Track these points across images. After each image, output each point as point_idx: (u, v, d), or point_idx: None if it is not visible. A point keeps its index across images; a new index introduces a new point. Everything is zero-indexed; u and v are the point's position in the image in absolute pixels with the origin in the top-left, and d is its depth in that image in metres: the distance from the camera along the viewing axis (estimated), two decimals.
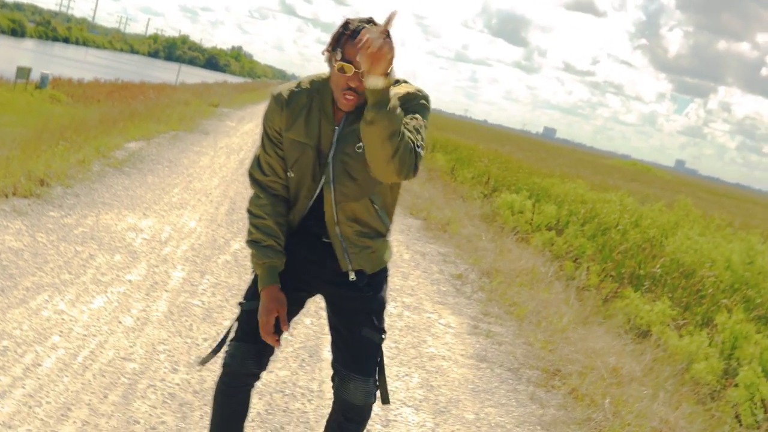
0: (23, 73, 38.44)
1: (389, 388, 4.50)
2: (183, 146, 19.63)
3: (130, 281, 7.76)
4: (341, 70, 3.66)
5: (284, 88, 4.02)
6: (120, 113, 22.98)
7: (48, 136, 14.63)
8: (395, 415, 6.03)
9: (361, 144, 3.73)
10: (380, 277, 4.12)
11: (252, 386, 4.17)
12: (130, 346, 6.15)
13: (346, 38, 3.65)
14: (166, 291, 7.71)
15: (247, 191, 4.41)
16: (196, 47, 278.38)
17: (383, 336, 4.11)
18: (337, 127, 3.88)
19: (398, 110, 3.54)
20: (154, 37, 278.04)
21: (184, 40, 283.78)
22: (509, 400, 6.92)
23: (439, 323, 8.81)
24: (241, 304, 4.10)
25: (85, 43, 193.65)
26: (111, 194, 11.57)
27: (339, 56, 3.65)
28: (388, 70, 3.41)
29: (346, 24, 3.72)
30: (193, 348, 6.42)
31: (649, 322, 10.70)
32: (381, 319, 4.11)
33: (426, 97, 3.97)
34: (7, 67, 44.28)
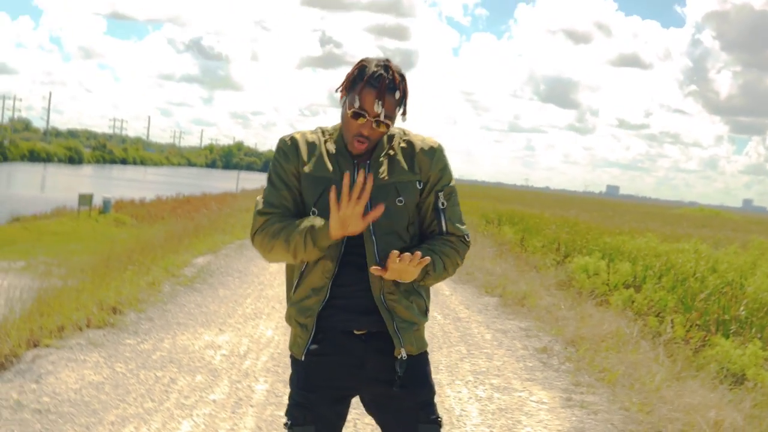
0: (85, 200, 39.00)
1: None
2: (250, 254, 19.63)
3: (214, 401, 7.67)
4: (354, 116, 3.63)
5: (289, 134, 3.91)
6: (184, 229, 23.15)
7: (115, 262, 14.70)
8: None
9: (402, 198, 3.72)
10: (424, 362, 3.90)
11: None
12: None
13: (362, 86, 3.63)
14: (251, 406, 7.61)
15: None
16: (251, 152, 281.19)
17: (439, 426, 3.88)
18: (354, 162, 3.78)
19: (438, 267, 3.69)
20: (210, 148, 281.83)
21: (239, 146, 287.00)
22: None
23: (531, 401, 8.63)
24: (287, 425, 3.81)
25: (142, 162, 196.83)
26: (184, 313, 11.54)
27: (357, 104, 3.62)
28: (421, 273, 3.61)
29: (362, 67, 3.69)
30: None
31: (743, 366, 10.44)
32: (434, 410, 3.90)
33: (443, 151, 3.93)
34: (70, 196, 44.93)
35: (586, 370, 9.90)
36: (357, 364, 3.76)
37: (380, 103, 3.59)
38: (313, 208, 3.74)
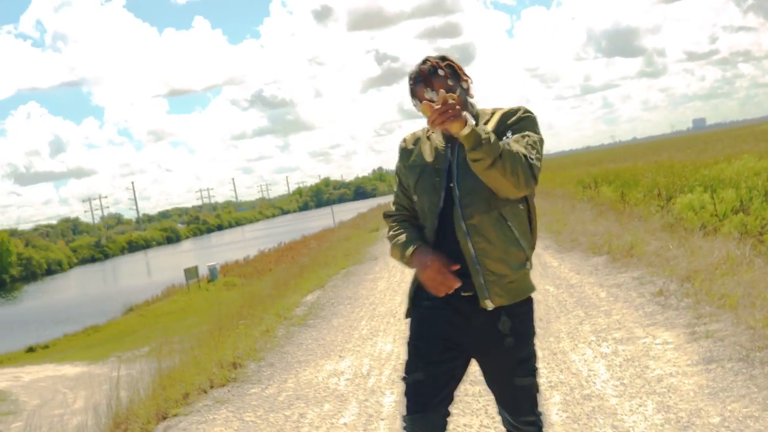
0: (191, 273, 39.59)
1: None
2: (357, 280, 19.71)
3: (345, 424, 7.71)
4: (423, 111, 3.94)
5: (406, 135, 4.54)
6: (290, 273, 23.34)
7: (227, 322, 14.83)
8: None
9: None
10: (524, 319, 4.31)
11: None
12: None
13: (413, 87, 4.26)
14: (381, 419, 7.64)
15: None
16: (340, 184, 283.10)
17: (536, 376, 4.34)
18: (448, 146, 4.28)
19: (492, 138, 3.93)
20: (299, 192, 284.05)
21: (327, 182, 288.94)
22: (749, 389, 6.64)
23: (656, 344, 8.56)
24: (404, 378, 4.32)
25: (237, 223, 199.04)
26: (303, 351, 11.61)
27: (416, 101, 4.22)
28: (464, 120, 3.86)
29: (409, 77, 4.30)
30: None
31: None
32: (531, 364, 4.33)
33: (526, 110, 4.33)
34: (176, 274, 45.61)
35: (705, 301, 9.79)
36: (465, 321, 4.21)
37: (429, 89, 4.16)
38: (414, 196, 4.37)
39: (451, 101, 3.83)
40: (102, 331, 31.81)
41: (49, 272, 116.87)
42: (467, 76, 4.34)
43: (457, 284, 4.09)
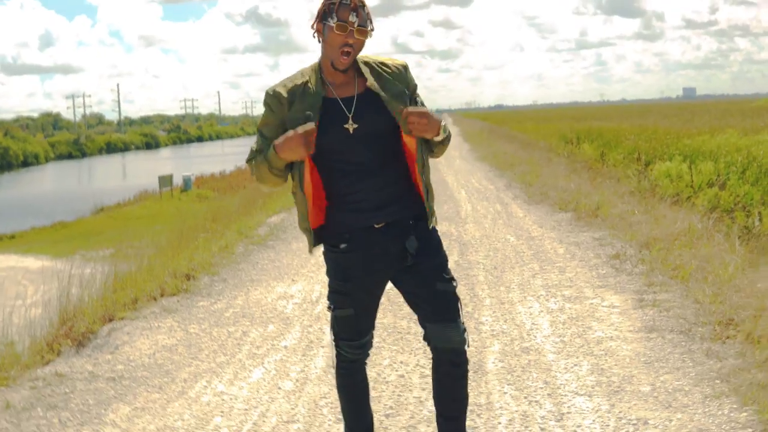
0: (165, 181, 39.47)
1: None
2: None
3: (285, 347, 7.77)
4: (341, 29, 4.24)
5: (274, 85, 4.56)
6: (259, 193, 23.28)
7: (189, 234, 14.84)
8: (568, 407, 5.89)
9: (402, 105, 4.39)
10: (435, 235, 4.66)
11: (365, 366, 4.91)
12: (292, 409, 6.13)
13: (337, 7, 4.27)
14: (322, 347, 7.69)
15: None
16: None
17: (455, 284, 4.61)
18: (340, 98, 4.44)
19: (447, 131, 4.47)
20: None
21: None
22: (684, 362, 6.70)
23: (603, 306, 8.62)
24: (332, 310, 4.68)
25: (218, 137, 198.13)
26: (258, 270, 11.66)
27: (335, 19, 4.26)
28: (439, 127, 4.32)
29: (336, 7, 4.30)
30: None
31: None
32: (448, 271, 4.62)
33: (406, 66, 4.65)
34: (151, 180, 45.53)
35: (659, 270, 9.85)
36: (382, 252, 4.50)
37: (354, 14, 4.25)
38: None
39: (425, 110, 4.27)
40: (70, 228, 31.77)
41: (25, 164, 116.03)
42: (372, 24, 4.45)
43: (312, 127, 4.25)
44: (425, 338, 4.67)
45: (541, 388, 6.32)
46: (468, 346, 4.64)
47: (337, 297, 4.62)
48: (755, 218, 12.64)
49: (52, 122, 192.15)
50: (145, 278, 10.52)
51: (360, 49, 4.37)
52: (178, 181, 42.05)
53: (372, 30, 4.40)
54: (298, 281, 10.74)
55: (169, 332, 8.49)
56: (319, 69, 4.50)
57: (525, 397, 6.14)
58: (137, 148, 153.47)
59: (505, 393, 6.26)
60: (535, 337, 7.65)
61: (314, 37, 4.44)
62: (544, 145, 36.89)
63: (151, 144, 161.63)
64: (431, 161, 4.63)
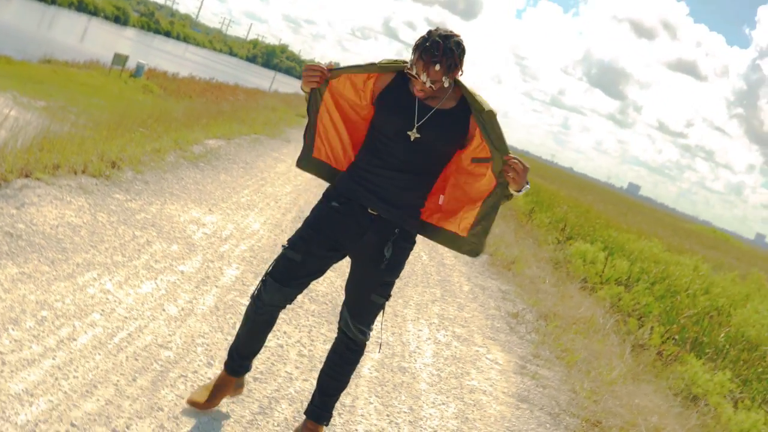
0: (120, 60, 38.86)
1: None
2: (262, 150, 19.66)
3: (182, 272, 7.73)
4: (415, 80, 4.62)
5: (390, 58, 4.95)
6: (206, 110, 23.12)
7: (129, 123, 14.68)
8: None
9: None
10: (403, 254, 4.95)
11: (278, 312, 5.06)
12: (169, 335, 6.10)
13: (418, 55, 4.56)
14: (216, 287, 7.67)
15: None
16: (294, 57, 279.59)
17: (387, 300, 5.02)
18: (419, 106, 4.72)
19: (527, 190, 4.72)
20: (254, 42, 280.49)
21: (284, 49, 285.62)
22: None
23: (487, 358, 8.69)
24: (284, 247, 4.90)
25: (185, 40, 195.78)
26: (180, 186, 11.57)
27: (414, 69, 4.59)
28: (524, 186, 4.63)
29: (424, 38, 4.60)
30: None
31: (707, 391, 10.50)
32: (389, 290, 5.00)
33: (494, 115, 4.77)
34: (106, 54, 44.88)
35: (548, 345, 9.95)
36: (358, 233, 4.81)
37: (426, 74, 4.53)
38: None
39: (528, 168, 4.59)
40: (13, 66, 31.11)
41: None
42: (459, 70, 4.68)
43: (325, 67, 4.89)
44: (339, 319, 5.12)
45: (405, 412, 6.35)
46: (367, 340, 5.09)
47: (297, 240, 4.89)
48: (647, 330, 12.82)
49: None
50: (72, 149, 10.35)
51: (440, 86, 4.63)
52: (131, 65, 41.44)
53: (453, 76, 4.62)
54: (215, 213, 10.67)
55: (78, 211, 8.39)
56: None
57: (388, 415, 6.18)
58: (106, 17, 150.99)
59: (371, 403, 6.29)
60: (416, 361, 7.69)
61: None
62: None
63: (120, 19, 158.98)
64: None
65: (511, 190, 4.64)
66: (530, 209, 28.58)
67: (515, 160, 4.54)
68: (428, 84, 4.54)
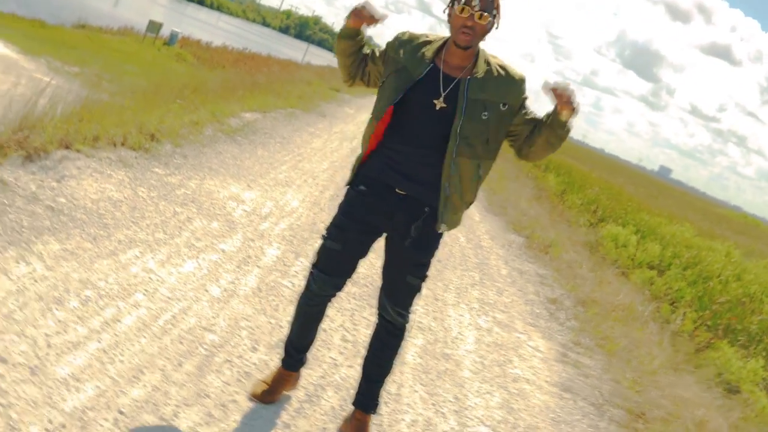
0: (154, 27, 38.87)
1: None
2: (298, 125, 19.56)
3: (223, 251, 7.63)
4: (462, 11, 4.49)
5: (407, 31, 4.94)
6: (241, 82, 23.00)
7: (166, 92, 14.60)
8: None
9: (486, 113, 4.60)
10: (438, 236, 4.87)
11: (329, 301, 5.08)
12: (213, 317, 6.01)
13: None
14: (258, 267, 7.57)
15: None
16: (327, 30, 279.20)
17: (424, 282, 4.96)
18: (454, 79, 4.64)
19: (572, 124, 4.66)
20: (288, 13, 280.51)
21: (317, 21, 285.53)
22: None
23: (528, 345, 8.57)
24: (324, 238, 4.89)
25: (219, 8, 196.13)
26: (219, 161, 11.47)
27: (460, 2, 4.50)
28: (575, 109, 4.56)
29: None
30: (276, 329, 6.25)
31: (740, 378, 10.35)
32: (425, 270, 4.94)
33: (523, 79, 4.83)
34: (140, 20, 44.87)
35: (589, 333, 9.82)
36: (388, 213, 4.75)
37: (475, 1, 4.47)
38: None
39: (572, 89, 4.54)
40: (48, 31, 31.08)
41: None
42: (500, 14, 4.67)
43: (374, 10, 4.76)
44: (378, 304, 5.07)
45: (451, 402, 6.25)
46: (408, 326, 5.08)
47: (333, 229, 4.86)
48: (679, 316, 12.67)
49: None
50: (112, 120, 10.26)
51: (481, 34, 4.59)
52: (164, 32, 41.38)
53: (495, 18, 4.61)
54: (254, 189, 10.57)
55: (118, 185, 8.30)
56: (443, 43, 4.74)
57: (433, 404, 6.07)
58: None
59: (416, 392, 6.19)
60: (458, 347, 7.58)
61: (446, 19, 4.67)
62: (512, 157, 36.93)
63: None
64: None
65: (564, 118, 4.58)
66: (562, 190, 28.41)
67: (559, 86, 4.55)
68: (476, 10, 4.47)
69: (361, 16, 4.75)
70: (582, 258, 14.87)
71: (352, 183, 4.89)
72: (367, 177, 4.79)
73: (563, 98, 4.50)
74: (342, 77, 5.18)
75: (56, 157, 8.26)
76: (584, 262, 14.36)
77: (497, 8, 4.60)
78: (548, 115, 4.65)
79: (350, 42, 4.89)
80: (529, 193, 23.75)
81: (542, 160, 5.08)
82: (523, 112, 4.74)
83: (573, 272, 13.16)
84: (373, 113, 4.82)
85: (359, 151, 4.88)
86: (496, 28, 4.67)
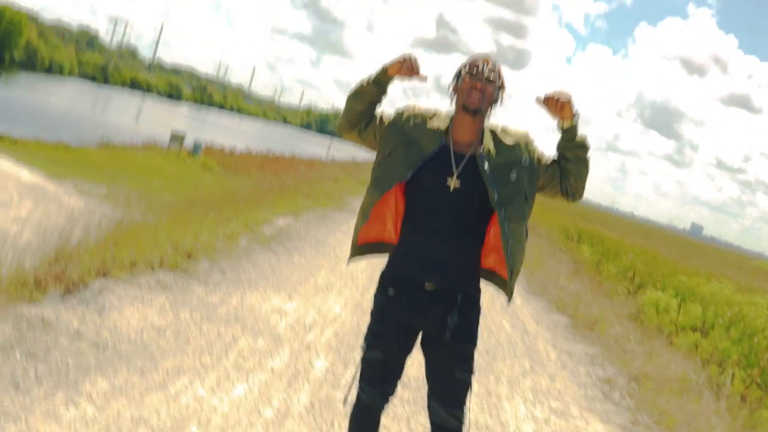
0: (177, 139, 39.19)
1: None
2: (331, 225, 19.57)
3: (272, 369, 7.56)
4: (472, 76, 4.57)
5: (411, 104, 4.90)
6: (269, 186, 23.13)
7: (197, 207, 14.64)
8: None
9: (513, 173, 4.58)
10: (474, 321, 4.73)
11: (381, 412, 4.93)
12: None
13: (471, 63, 4.64)
14: (308, 382, 7.49)
15: None
16: None
17: (472, 375, 4.73)
18: (474, 154, 4.62)
19: (577, 120, 4.67)
20: (308, 111, 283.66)
21: (337, 114, 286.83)
22: None
23: (587, 431, 8.44)
24: (364, 349, 4.81)
25: (239, 111, 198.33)
26: (257, 273, 11.46)
27: (471, 70, 4.58)
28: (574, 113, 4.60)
29: (475, 65, 4.63)
30: None
31: None
32: (471, 362, 4.73)
33: (527, 135, 4.82)
34: (162, 132, 45.28)
35: (646, 410, 9.67)
36: (422, 312, 4.62)
37: (486, 66, 4.59)
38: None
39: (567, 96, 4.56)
40: (72, 153, 31.35)
41: (49, 71, 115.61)
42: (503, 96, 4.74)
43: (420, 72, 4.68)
44: (428, 411, 4.83)
45: None
46: (463, 425, 4.79)
47: (370, 338, 4.79)
48: (727, 377, 12.48)
49: (87, 40, 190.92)
50: (147, 242, 10.28)
51: (490, 100, 4.64)
52: (188, 143, 41.67)
53: (502, 85, 4.69)
54: (294, 299, 10.53)
55: (160, 311, 8.28)
56: (450, 120, 4.71)
57: None
58: (159, 94, 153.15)
59: None
60: None
61: (450, 97, 4.73)
62: (546, 233, 36.90)
63: (173, 95, 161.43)
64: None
65: (566, 124, 4.62)
66: (597, 260, 28.30)
67: (550, 95, 4.57)
68: (486, 73, 4.55)
69: (406, 65, 4.66)
70: (628, 330, 14.72)
71: (380, 286, 4.78)
72: (394, 278, 4.71)
73: (555, 104, 4.56)
74: (340, 122, 4.97)
75: (95, 287, 8.26)
76: (631, 335, 14.21)
77: (502, 85, 4.68)
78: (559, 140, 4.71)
79: (376, 89, 4.78)
80: (566, 268, 23.62)
81: (585, 184, 4.92)
82: (544, 160, 4.76)
83: (621, 347, 13.01)
84: (375, 183, 4.70)
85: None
86: (501, 103, 4.72)
